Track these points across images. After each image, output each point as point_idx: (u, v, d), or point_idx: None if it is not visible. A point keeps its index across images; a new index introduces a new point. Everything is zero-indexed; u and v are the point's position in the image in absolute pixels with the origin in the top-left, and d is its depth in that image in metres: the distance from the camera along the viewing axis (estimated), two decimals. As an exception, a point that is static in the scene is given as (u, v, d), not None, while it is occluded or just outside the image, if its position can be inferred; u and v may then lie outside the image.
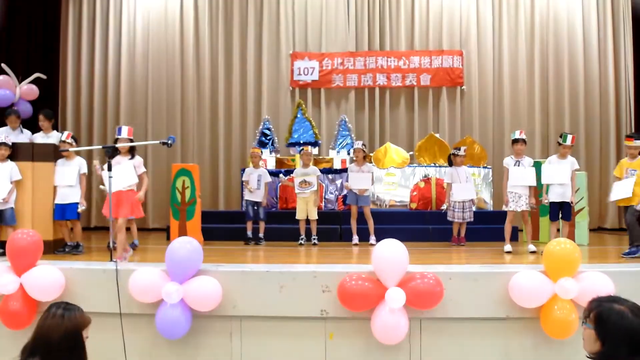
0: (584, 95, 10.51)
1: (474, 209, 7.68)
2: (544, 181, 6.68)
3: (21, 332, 4.51)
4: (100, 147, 5.47)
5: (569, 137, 6.68)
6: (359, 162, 7.71)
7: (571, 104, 10.54)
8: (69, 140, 6.44)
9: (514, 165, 6.88)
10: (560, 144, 6.70)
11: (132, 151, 5.77)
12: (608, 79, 10.47)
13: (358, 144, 7.83)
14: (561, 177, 6.55)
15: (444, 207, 7.66)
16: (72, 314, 2.67)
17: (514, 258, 6.32)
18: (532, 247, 6.73)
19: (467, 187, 7.52)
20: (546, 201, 6.70)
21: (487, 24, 10.72)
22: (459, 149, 7.84)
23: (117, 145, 5.57)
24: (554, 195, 6.60)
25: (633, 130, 10.34)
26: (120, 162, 5.60)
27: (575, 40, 10.54)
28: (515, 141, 6.97)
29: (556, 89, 10.60)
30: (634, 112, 10.38)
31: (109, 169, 5.08)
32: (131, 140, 5.76)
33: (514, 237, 7.37)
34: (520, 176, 6.79)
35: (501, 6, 10.73)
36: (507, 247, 6.77)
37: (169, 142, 5.25)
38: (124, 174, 5.47)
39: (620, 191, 6.21)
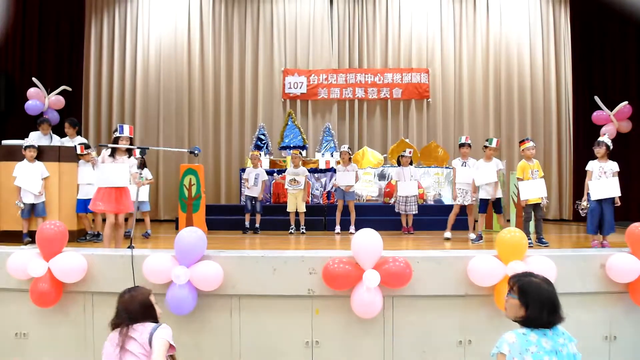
0: (530, 107, 10.59)
1: (417, 203, 7.62)
2: (477, 183, 6.50)
3: (49, 310, 4.47)
4: (136, 147, 5.27)
5: (494, 141, 6.60)
6: (344, 162, 7.68)
7: (520, 115, 10.61)
8: (85, 152, 6.34)
9: (461, 165, 6.82)
10: (486, 147, 6.55)
11: (130, 150, 5.41)
12: (551, 94, 10.57)
13: (344, 148, 7.78)
14: (489, 177, 6.42)
15: (392, 200, 7.65)
16: (138, 290, 3.13)
17: (471, 244, 6.35)
18: (472, 236, 6.68)
19: (410, 185, 7.51)
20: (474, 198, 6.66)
21: (449, 47, 10.77)
22: (406, 151, 7.81)
23: (149, 148, 5.14)
24: (484, 193, 6.48)
25: (572, 138, 10.45)
26: (118, 160, 5.29)
27: (523, 62, 10.62)
28: (461, 145, 6.95)
29: (507, 102, 10.66)
30: (572, 123, 10.47)
31: (142, 166, 4.93)
32: (131, 139, 5.36)
33: (463, 227, 7.15)
34: (466, 175, 6.70)
35: (462, 31, 10.79)
36: (447, 234, 6.71)
37: (195, 152, 5.02)
38: (123, 172, 5.16)
39: (533, 191, 6.00)
